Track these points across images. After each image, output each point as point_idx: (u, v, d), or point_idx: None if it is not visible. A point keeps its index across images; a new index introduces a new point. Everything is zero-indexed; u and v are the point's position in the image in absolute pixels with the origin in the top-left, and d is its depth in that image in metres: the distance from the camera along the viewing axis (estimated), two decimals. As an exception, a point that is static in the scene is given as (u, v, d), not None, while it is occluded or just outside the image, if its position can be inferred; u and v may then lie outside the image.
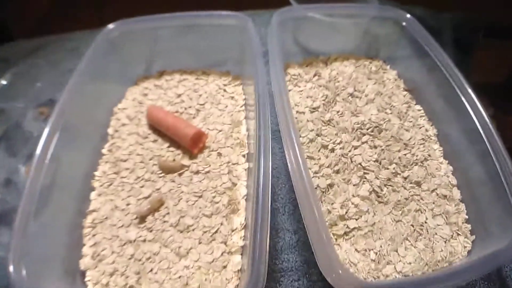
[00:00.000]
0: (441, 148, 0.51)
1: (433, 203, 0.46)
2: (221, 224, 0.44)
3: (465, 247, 0.43)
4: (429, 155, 0.50)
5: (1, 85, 0.69)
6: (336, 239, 0.43)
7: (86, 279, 0.41)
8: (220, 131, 0.52)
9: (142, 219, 0.45)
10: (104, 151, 0.53)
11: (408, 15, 0.56)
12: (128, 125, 0.56)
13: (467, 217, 0.46)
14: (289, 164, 0.38)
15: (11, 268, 0.34)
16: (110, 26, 0.56)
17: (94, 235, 0.44)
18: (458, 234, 0.44)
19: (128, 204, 0.47)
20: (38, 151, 0.42)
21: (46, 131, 0.43)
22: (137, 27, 0.57)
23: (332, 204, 0.45)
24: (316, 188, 0.46)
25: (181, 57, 0.61)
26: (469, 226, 0.45)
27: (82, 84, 0.49)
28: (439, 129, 0.52)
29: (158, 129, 0.53)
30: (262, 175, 0.38)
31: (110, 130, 0.55)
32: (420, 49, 0.54)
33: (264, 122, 0.42)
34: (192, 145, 0.50)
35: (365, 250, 0.42)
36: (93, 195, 0.48)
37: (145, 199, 0.47)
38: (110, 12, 1.07)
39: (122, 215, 0.46)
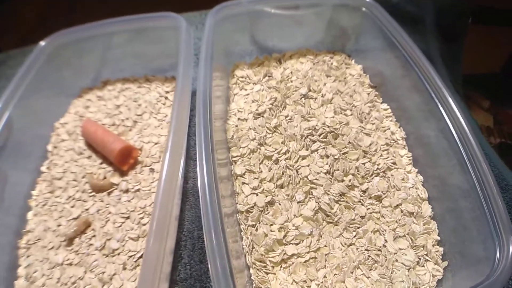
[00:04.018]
0: (409, 154, 0.43)
1: (396, 222, 0.38)
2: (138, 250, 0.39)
3: (434, 275, 0.35)
4: (394, 163, 0.42)
5: None
6: (272, 267, 0.36)
7: None
8: (156, 143, 0.47)
9: (69, 241, 0.42)
10: (42, 168, 0.49)
11: (371, 0, 0.48)
12: (67, 140, 0.51)
13: (438, 238, 0.38)
14: (199, 186, 0.32)
15: None
16: (43, 42, 0.52)
17: (28, 256, 0.42)
18: (426, 260, 0.36)
19: (59, 225, 0.43)
20: None
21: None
22: (74, 37, 0.53)
23: (271, 225, 0.38)
24: (253, 206, 0.39)
25: (126, 64, 0.57)
26: (441, 249, 0.37)
27: (21, 99, 0.47)
28: (408, 131, 0.44)
29: (90, 144, 0.48)
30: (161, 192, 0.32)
31: (49, 147, 0.51)
32: (389, 40, 0.46)
33: (176, 134, 0.35)
34: (121, 161, 0.44)
35: (305, 281, 0.35)
36: (29, 215, 0.45)
37: (74, 220, 0.43)
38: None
39: (53, 237, 0.42)
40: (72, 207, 0.44)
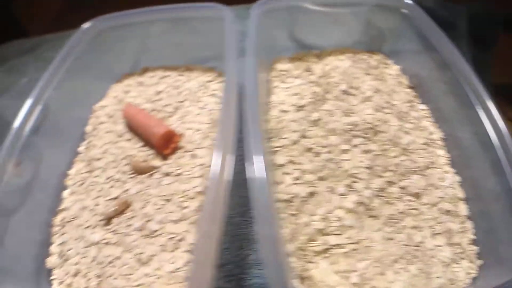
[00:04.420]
0: (447, 155, 0.44)
1: (434, 219, 0.39)
2: (188, 231, 0.39)
3: (468, 273, 0.36)
4: (432, 163, 0.43)
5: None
6: (313, 256, 0.37)
7: (52, 277, 0.40)
8: (197, 130, 0.47)
9: (108, 221, 0.42)
10: (80, 149, 0.51)
11: (411, 2, 0.49)
12: (106, 123, 0.52)
13: (474, 237, 0.39)
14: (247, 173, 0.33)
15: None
16: (86, 24, 0.53)
17: (62, 234, 0.43)
18: (462, 258, 0.37)
19: (97, 205, 0.44)
20: (18, 148, 0.42)
21: (27, 128, 0.44)
22: (115, 23, 0.54)
23: (312, 215, 0.39)
24: (294, 196, 0.40)
25: (166, 53, 0.58)
26: (476, 248, 0.38)
27: (60, 81, 0.48)
28: (446, 132, 0.45)
29: (131, 127, 0.49)
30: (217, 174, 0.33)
31: (88, 128, 0.53)
32: (427, 42, 0.47)
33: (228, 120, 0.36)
34: (162, 145, 0.45)
35: (346, 271, 0.36)
36: (65, 194, 0.46)
37: (113, 200, 0.44)
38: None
39: (90, 216, 0.43)
40: (111, 187, 0.45)
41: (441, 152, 0.44)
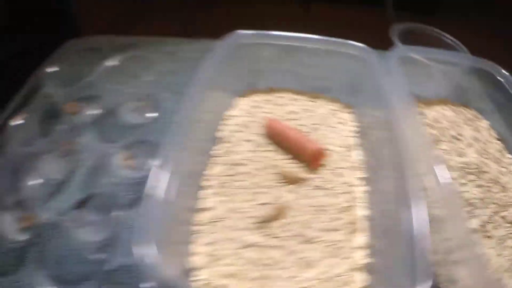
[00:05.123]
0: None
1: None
2: (344, 240, 0.46)
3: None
4: (523, 199, 0.55)
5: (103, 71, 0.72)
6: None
7: (198, 277, 0.42)
8: (334, 151, 0.57)
9: (263, 224, 0.47)
10: (215, 153, 0.56)
11: (502, 70, 0.62)
12: (242, 132, 0.59)
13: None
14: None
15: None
16: (228, 37, 0.59)
17: (211, 233, 0.46)
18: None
19: (246, 208, 0.49)
20: (164, 150, 0.43)
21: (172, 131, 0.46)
22: (250, 40, 0.60)
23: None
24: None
25: (287, 77, 0.66)
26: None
27: (200, 88, 0.52)
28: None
29: (275, 140, 0.57)
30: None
31: (221, 134, 0.59)
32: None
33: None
34: (313, 160, 0.54)
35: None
36: (205, 193, 0.51)
37: (263, 205, 0.49)
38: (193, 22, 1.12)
39: (241, 218, 0.48)
40: (259, 193, 0.51)
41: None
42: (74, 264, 0.47)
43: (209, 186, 0.51)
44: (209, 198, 0.50)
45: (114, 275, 0.45)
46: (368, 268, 0.45)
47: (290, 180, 0.53)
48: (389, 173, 0.48)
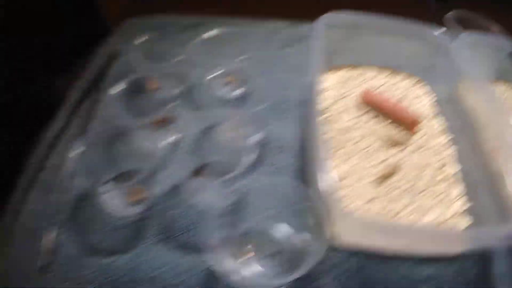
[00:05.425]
0: None
1: None
2: (447, 191, 0.56)
3: None
4: None
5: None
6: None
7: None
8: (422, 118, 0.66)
9: (381, 181, 0.56)
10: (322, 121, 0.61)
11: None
12: (337, 102, 0.66)
13: None
14: None
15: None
16: (325, 17, 0.63)
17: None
18: None
19: (365, 166, 0.58)
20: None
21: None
22: (345, 21, 0.65)
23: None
24: None
25: (379, 55, 0.72)
26: None
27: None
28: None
29: (374, 108, 0.65)
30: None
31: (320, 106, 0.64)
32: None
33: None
34: (411, 127, 0.63)
35: None
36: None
37: (379, 164, 0.58)
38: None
39: (362, 175, 0.56)
40: (372, 154, 0.59)
41: None
42: (202, 231, 0.50)
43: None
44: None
45: (245, 238, 0.48)
46: (468, 212, 0.54)
47: (394, 143, 0.61)
48: (470, 135, 0.59)
